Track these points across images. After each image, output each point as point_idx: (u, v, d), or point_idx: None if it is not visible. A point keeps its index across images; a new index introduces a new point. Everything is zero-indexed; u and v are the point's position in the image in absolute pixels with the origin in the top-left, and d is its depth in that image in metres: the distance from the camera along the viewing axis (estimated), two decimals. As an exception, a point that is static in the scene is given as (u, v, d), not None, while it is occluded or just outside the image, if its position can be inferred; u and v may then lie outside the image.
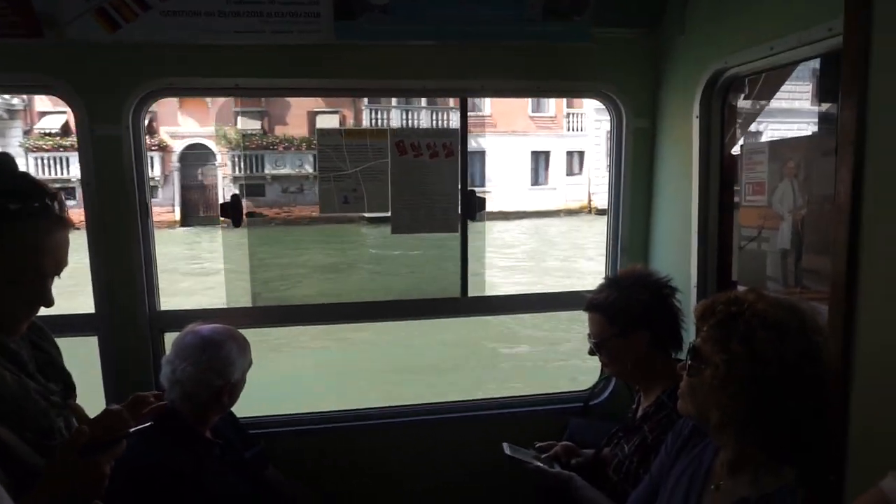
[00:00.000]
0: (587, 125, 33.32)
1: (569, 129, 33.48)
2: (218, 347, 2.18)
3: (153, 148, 28.11)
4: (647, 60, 2.76)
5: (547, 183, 32.96)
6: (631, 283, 2.24)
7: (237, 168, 29.26)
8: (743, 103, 2.59)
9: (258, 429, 2.68)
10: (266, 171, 29.55)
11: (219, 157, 29.09)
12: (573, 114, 33.35)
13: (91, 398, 1.78)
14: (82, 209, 2.47)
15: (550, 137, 32.74)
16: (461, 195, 2.76)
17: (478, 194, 2.79)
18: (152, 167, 28.14)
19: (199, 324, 2.30)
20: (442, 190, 2.73)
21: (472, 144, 30.16)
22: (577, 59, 2.71)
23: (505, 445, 2.35)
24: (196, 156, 29.01)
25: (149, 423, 1.54)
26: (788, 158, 2.12)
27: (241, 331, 2.34)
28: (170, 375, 2.17)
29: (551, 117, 33.06)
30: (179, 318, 2.51)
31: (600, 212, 31.65)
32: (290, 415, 2.93)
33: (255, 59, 2.50)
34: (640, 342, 2.18)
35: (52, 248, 1.39)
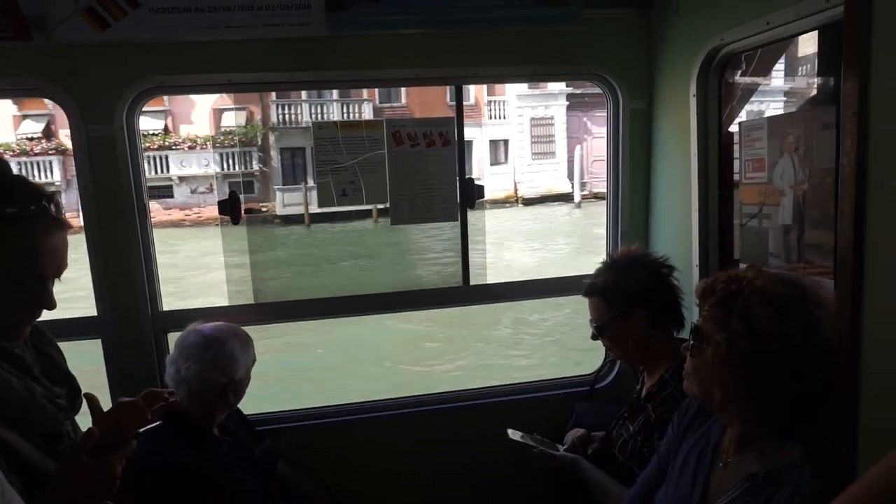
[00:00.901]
0: (510, 113, 32.68)
1: (491, 118, 32.56)
2: (221, 345, 2.19)
3: (51, 152, 27.15)
4: (641, 41, 2.74)
5: (470, 173, 31.41)
6: (628, 265, 2.24)
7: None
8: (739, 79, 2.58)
9: (262, 425, 2.68)
10: (172, 172, 28.77)
11: (122, 159, 28.31)
12: (495, 101, 32.45)
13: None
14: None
15: (472, 126, 30.47)
16: (459, 183, 2.75)
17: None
18: (52, 172, 27.27)
19: (200, 322, 2.30)
20: (440, 179, 2.71)
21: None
22: (570, 43, 2.69)
23: (510, 431, 2.37)
24: (98, 158, 27.91)
25: (158, 423, 1.54)
26: (788, 133, 2.11)
27: (244, 328, 2.35)
28: (174, 375, 2.18)
29: (471, 105, 31.32)
30: (182, 318, 2.51)
31: (527, 201, 30.81)
32: (294, 410, 2.94)
33: (247, 54, 2.48)
34: (640, 323, 2.18)
35: (51, 251, 1.38)
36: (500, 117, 32.95)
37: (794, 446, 1.44)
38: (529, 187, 32.40)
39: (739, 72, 2.55)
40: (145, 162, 2.54)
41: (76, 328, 2.55)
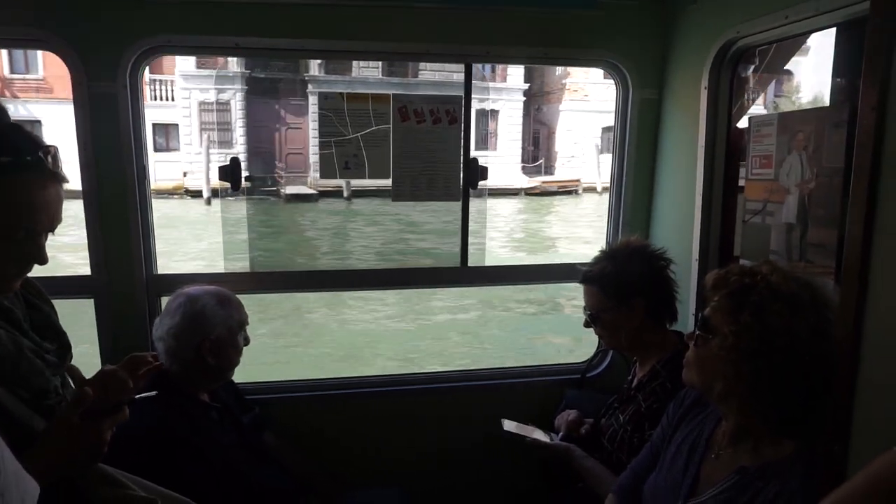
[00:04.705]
0: (177, 95, 28.56)
1: (154, 98, 27.85)
2: (193, 302, 2.20)
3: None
4: (655, 30, 2.71)
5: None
6: (626, 255, 2.24)
7: None
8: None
9: (252, 394, 2.67)
10: None
11: None
12: (159, 80, 28.21)
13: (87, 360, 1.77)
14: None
15: None
16: (463, 163, 2.72)
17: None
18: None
19: (192, 286, 2.29)
20: (444, 158, 2.68)
21: (22, 112, 25.08)
22: (583, 28, 2.66)
23: (504, 421, 2.37)
24: None
25: (153, 392, 1.53)
26: (798, 131, 2.09)
27: (239, 296, 2.33)
28: (155, 333, 2.21)
29: None
30: (176, 282, 2.48)
31: (195, 194, 26.59)
32: (285, 381, 2.93)
33: (256, 19, 2.44)
34: (635, 313, 2.19)
35: (45, 205, 1.34)
36: (165, 98, 28.25)
37: (788, 443, 1.44)
38: (200, 177, 26.90)
39: (752, 66, 2.52)
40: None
41: (69, 286, 2.52)
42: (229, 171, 2.54)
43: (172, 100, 28.76)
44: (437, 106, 2.66)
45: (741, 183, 2.42)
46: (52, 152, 1.35)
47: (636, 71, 2.74)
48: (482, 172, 2.75)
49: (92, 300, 2.55)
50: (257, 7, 2.40)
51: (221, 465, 2.09)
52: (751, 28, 2.21)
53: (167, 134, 28.38)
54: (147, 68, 2.53)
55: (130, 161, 2.46)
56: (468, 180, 2.74)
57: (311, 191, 25.30)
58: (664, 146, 2.79)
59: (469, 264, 2.84)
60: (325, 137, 2.60)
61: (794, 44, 2.34)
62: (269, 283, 2.92)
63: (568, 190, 30.79)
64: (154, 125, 26.63)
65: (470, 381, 3.01)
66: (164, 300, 2.56)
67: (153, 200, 2.59)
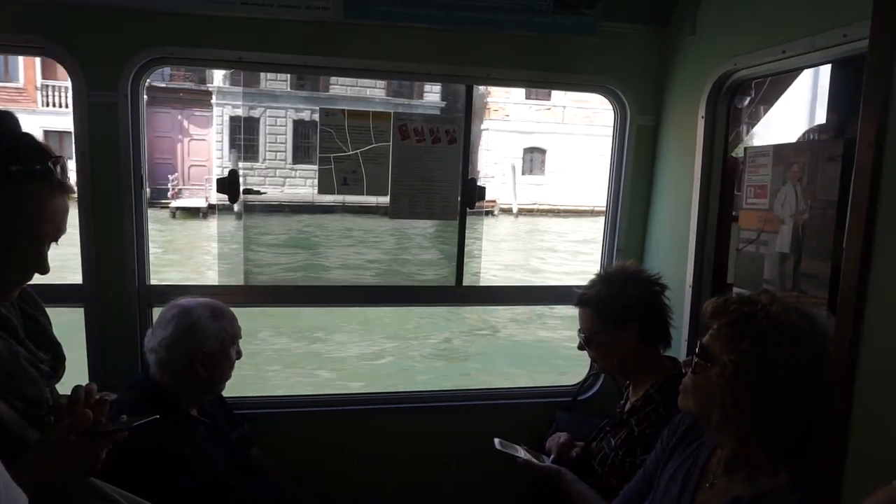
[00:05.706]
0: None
1: (47, 105, 26.51)
2: (186, 314, 2.19)
3: None
4: (654, 58, 2.76)
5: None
6: (622, 280, 2.26)
7: None
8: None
9: (240, 409, 2.65)
10: None
11: None
12: (53, 86, 26.43)
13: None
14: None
15: (19, 113, 23.78)
16: (462, 183, 2.73)
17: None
18: None
19: (185, 297, 2.28)
20: (442, 177, 2.70)
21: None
22: (583, 53, 2.70)
23: (496, 441, 2.36)
24: None
25: (155, 416, 1.51)
26: (793, 162, 2.12)
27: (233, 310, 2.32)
28: (147, 344, 2.20)
29: (19, 89, 26.13)
30: (168, 293, 2.47)
31: None
32: (274, 396, 2.91)
33: (260, 34, 2.45)
34: (629, 337, 2.20)
35: (52, 214, 1.34)
36: (59, 105, 26.32)
37: (783, 472, 1.44)
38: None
39: (748, 98, 2.57)
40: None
41: (59, 295, 2.49)
42: (227, 184, 2.54)
43: (67, 107, 26.68)
44: (437, 125, 2.68)
45: (735, 212, 2.45)
46: (60, 163, 1.35)
47: (634, 97, 2.78)
48: (480, 192, 2.77)
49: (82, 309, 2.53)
50: (262, 23, 2.42)
51: (210, 479, 2.07)
52: (748, 61, 2.25)
53: (61, 142, 25.06)
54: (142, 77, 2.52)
55: (128, 170, 2.45)
56: (466, 200, 2.75)
57: (199, 204, 25.26)
58: (660, 173, 2.82)
59: (464, 284, 2.85)
60: (325, 153, 2.61)
61: (789, 77, 2.40)
62: (262, 297, 2.91)
63: (485, 210, 30.46)
64: (46, 132, 23.45)
65: (460, 400, 3.00)
66: (156, 311, 2.55)
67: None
